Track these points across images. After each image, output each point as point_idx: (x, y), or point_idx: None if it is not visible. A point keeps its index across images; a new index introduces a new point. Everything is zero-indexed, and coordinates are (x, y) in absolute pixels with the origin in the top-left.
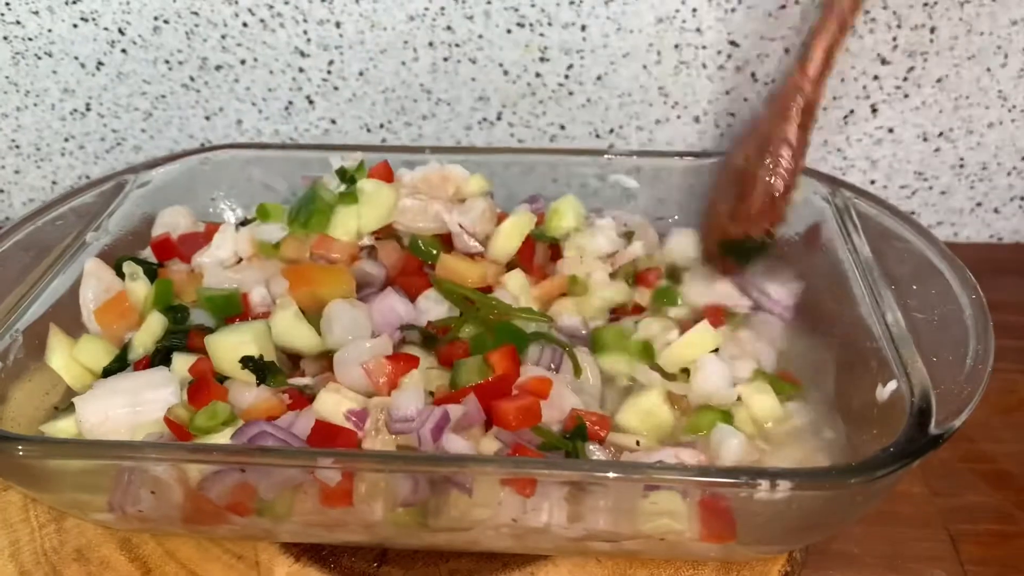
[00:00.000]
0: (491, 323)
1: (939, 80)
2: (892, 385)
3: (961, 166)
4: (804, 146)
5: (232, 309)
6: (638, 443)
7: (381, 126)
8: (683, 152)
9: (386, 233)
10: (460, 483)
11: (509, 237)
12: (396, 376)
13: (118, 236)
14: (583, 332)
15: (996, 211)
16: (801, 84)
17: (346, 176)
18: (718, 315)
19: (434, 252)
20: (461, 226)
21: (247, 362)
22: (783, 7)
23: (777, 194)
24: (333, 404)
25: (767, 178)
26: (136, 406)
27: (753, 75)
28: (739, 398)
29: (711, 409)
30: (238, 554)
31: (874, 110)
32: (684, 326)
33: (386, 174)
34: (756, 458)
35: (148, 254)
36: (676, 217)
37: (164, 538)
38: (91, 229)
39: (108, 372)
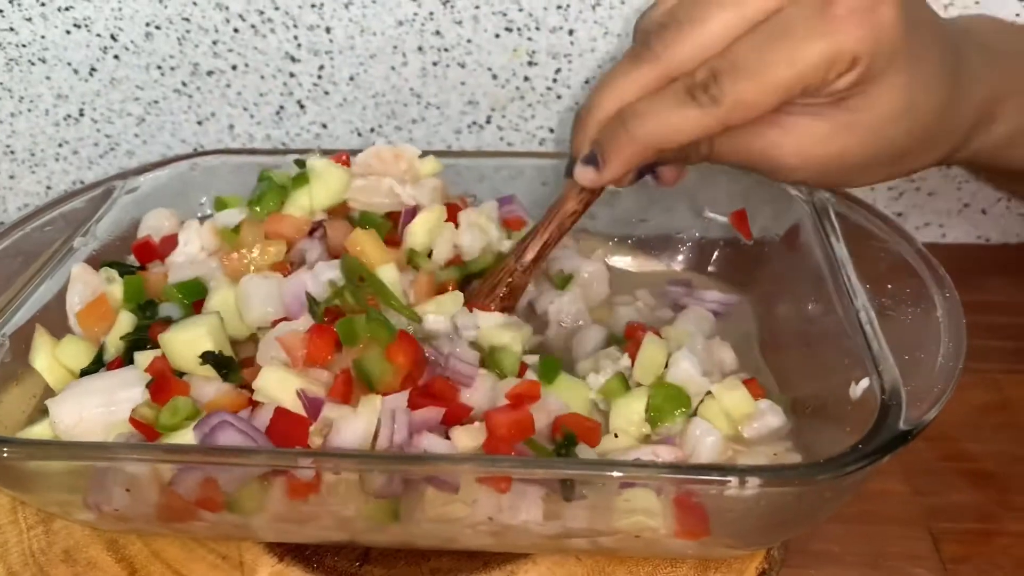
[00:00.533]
0: (364, 305)
1: None
2: (864, 383)
3: (949, 167)
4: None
5: (198, 294)
6: (616, 435)
7: (372, 130)
8: None
9: (340, 213)
10: (441, 482)
11: (418, 231)
12: (316, 351)
13: (106, 241)
14: (457, 334)
15: (983, 212)
16: (512, 271)
17: (302, 164)
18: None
19: (382, 228)
20: (415, 200)
21: (207, 357)
22: None
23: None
24: (277, 382)
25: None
26: (110, 406)
27: None
28: (709, 393)
29: (671, 393)
30: (223, 554)
31: None
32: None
33: (344, 163)
34: (730, 455)
35: (134, 259)
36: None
37: (150, 539)
38: (79, 235)
39: (84, 373)
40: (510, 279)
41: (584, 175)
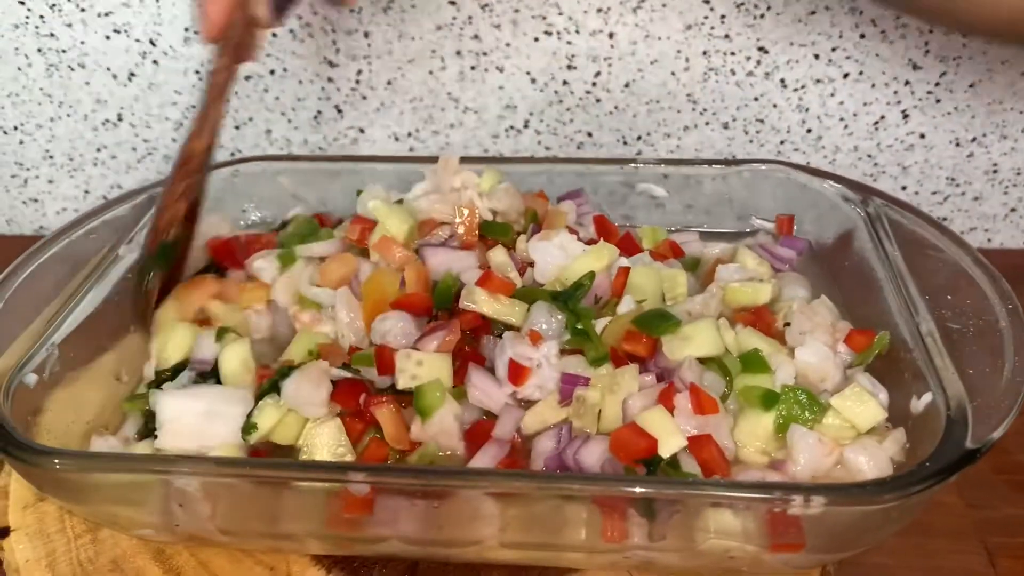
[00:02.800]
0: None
1: (972, 85)
2: (927, 397)
3: (995, 171)
4: (176, 192)
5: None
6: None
7: (409, 135)
8: (712, 160)
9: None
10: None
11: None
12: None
13: None
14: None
15: None
16: (189, 140)
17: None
18: (761, 315)
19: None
20: (493, 211)
21: None
22: (812, 13)
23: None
24: None
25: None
26: (211, 416)
27: (782, 81)
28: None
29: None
30: (270, 565)
31: (905, 116)
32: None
33: None
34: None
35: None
36: (705, 226)
37: (198, 549)
38: (124, 242)
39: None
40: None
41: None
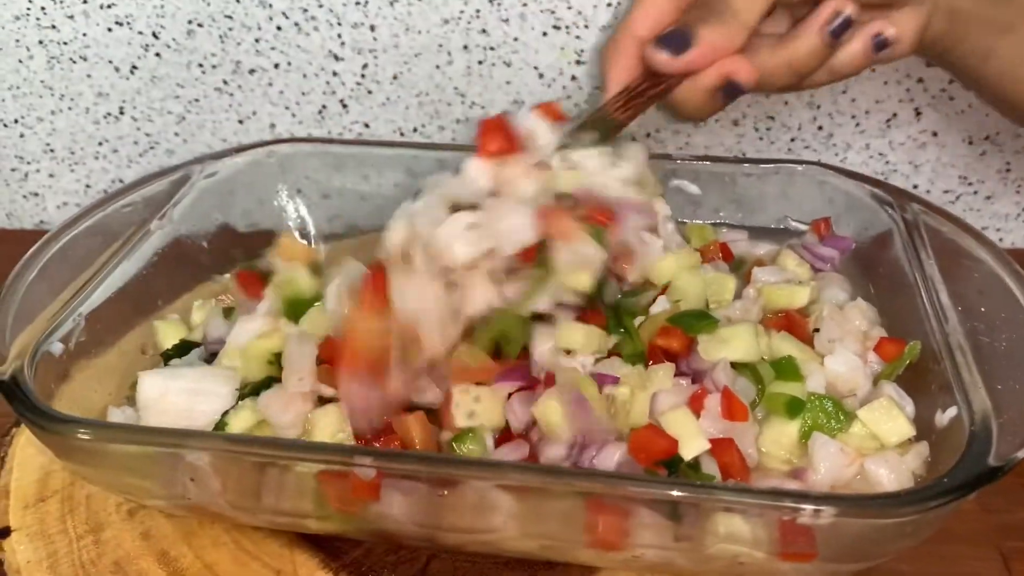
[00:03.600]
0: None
1: None
2: (952, 411)
3: (1008, 170)
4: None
5: None
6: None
7: (415, 130)
8: (748, 159)
9: None
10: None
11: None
12: None
13: (181, 225)
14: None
15: None
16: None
17: None
18: (793, 319)
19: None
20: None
21: None
22: None
23: None
24: None
25: None
26: (194, 394)
27: None
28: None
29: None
30: (276, 568)
31: (918, 113)
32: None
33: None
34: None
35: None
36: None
37: (203, 551)
38: (156, 218)
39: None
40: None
41: (658, 57)
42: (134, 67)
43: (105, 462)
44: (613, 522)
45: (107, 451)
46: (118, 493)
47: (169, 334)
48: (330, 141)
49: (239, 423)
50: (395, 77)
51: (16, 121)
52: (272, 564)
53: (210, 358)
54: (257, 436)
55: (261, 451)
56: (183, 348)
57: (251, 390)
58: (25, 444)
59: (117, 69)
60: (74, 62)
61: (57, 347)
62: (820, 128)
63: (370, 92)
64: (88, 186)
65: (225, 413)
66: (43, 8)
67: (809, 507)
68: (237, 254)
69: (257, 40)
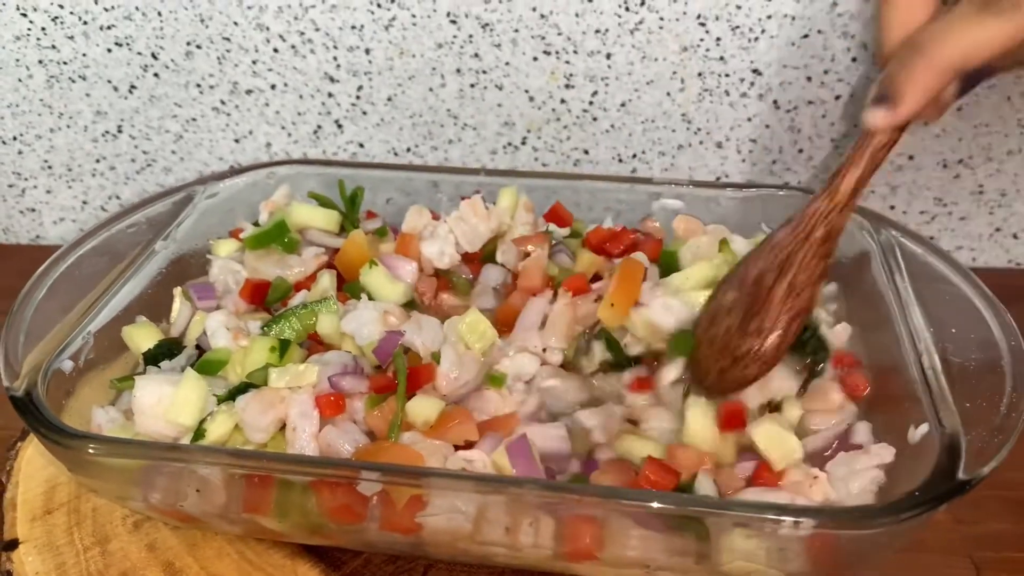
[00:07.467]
0: None
1: (959, 108)
2: (924, 428)
3: (980, 192)
4: (823, 276)
5: None
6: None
7: (408, 150)
8: (729, 184)
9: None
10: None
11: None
12: None
13: (185, 244)
14: None
15: (1015, 236)
16: (827, 212)
17: None
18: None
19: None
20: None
21: None
22: (805, 36)
23: (790, 316)
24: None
25: (786, 298)
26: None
27: (775, 103)
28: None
29: None
30: None
31: None
32: None
33: None
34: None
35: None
36: None
37: (207, 562)
38: (160, 238)
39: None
40: (826, 220)
41: (875, 118)
42: (133, 86)
43: (116, 476)
44: (578, 532)
45: (119, 465)
46: (127, 505)
47: (142, 336)
48: (328, 163)
49: (217, 428)
50: (389, 99)
51: (15, 138)
52: (275, 575)
53: (199, 355)
54: (266, 451)
55: (270, 466)
56: (166, 348)
57: (228, 395)
58: (31, 457)
59: (116, 88)
60: (73, 81)
61: (67, 364)
62: (800, 151)
63: (365, 113)
64: (85, 202)
65: (202, 421)
66: (43, 28)
67: (788, 519)
68: None
69: (254, 62)
